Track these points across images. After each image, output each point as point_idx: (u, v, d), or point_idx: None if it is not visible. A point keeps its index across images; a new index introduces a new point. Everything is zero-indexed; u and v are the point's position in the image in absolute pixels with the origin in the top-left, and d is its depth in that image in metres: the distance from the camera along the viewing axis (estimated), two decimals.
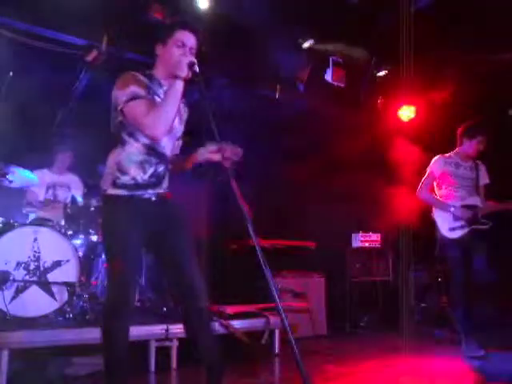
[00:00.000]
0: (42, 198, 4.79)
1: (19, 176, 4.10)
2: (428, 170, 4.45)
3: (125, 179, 2.43)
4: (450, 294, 4.50)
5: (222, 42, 5.28)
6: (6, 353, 3.16)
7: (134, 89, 2.37)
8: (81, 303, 3.95)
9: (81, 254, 4.17)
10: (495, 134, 5.18)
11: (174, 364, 3.72)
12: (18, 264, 3.82)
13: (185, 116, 2.66)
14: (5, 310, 3.61)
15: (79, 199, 4.57)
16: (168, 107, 2.34)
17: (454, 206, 4.28)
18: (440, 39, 5.22)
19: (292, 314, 4.82)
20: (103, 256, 4.51)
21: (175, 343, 3.73)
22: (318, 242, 5.79)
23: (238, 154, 2.45)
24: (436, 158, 4.45)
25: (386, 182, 6.28)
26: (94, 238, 4.39)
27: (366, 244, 6.15)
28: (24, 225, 4.04)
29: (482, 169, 4.46)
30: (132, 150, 2.43)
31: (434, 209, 4.41)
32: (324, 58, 6.06)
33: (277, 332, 4.34)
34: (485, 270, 4.15)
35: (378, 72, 6.50)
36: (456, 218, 4.27)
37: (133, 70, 2.48)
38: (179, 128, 2.60)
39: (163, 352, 3.72)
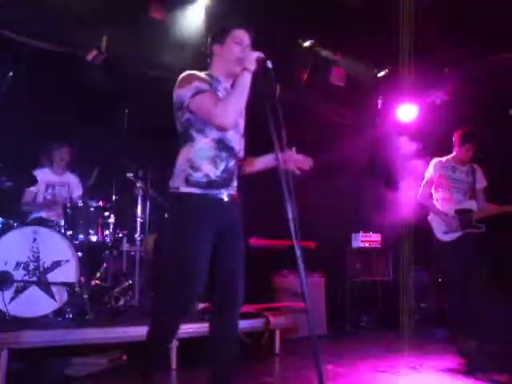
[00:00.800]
0: (41, 197, 4.79)
1: (19, 176, 4.09)
2: (426, 176, 4.51)
3: (197, 176, 2.39)
4: (447, 294, 4.49)
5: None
6: (5, 353, 3.15)
7: (197, 84, 2.38)
8: (81, 303, 3.95)
9: (80, 254, 4.17)
10: (495, 134, 5.19)
11: (173, 364, 3.71)
12: (18, 264, 3.82)
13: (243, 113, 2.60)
14: (4, 310, 3.60)
15: (78, 199, 4.57)
16: (237, 97, 2.34)
17: (446, 215, 4.34)
18: (440, 39, 5.22)
19: (292, 314, 4.81)
20: (103, 256, 4.52)
21: (175, 343, 3.73)
22: (318, 241, 5.79)
23: (310, 163, 2.58)
24: (433, 162, 4.51)
25: (386, 182, 6.29)
26: (94, 238, 4.39)
27: (366, 244, 6.15)
28: (23, 225, 4.04)
29: (479, 172, 4.50)
30: (202, 146, 2.41)
31: (430, 213, 4.47)
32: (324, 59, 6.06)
33: (277, 332, 4.34)
34: (480, 272, 4.17)
35: (378, 72, 6.50)
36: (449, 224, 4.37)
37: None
38: (242, 123, 2.57)
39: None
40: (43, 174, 4.79)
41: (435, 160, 4.50)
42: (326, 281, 5.46)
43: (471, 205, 4.38)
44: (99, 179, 4.68)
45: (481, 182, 4.48)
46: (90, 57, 5.06)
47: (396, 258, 6.02)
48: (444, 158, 4.50)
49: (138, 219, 4.83)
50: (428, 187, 4.48)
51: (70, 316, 3.85)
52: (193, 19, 5.20)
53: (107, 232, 4.47)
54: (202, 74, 2.47)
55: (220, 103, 2.33)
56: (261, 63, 2.32)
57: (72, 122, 4.84)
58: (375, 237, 6.21)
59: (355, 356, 4.24)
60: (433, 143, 5.23)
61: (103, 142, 5.01)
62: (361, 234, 6.14)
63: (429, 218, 4.46)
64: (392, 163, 6.26)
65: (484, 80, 5.63)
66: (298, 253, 2.14)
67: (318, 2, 5.03)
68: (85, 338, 3.48)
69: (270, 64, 2.33)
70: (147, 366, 2.49)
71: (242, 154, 2.59)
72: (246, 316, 4.24)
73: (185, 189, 2.40)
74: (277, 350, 4.32)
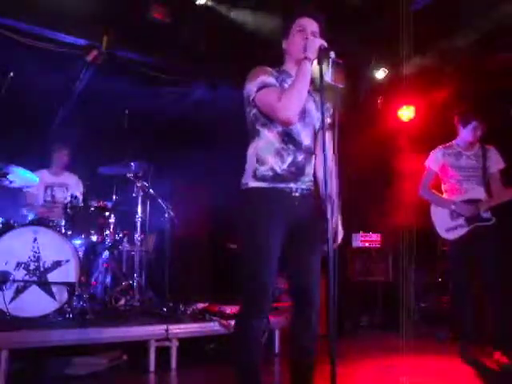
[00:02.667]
0: (40, 198, 4.79)
1: (19, 176, 4.10)
2: (426, 166, 4.19)
3: (263, 169, 2.38)
4: (451, 295, 4.23)
5: (221, 40, 5.30)
6: (5, 353, 3.15)
7: (262, 78, 2.36)
8: (81, 303, 3.95)
9: (81, 254, 4.17)
10: (496, 134, 5.18)
11: (173, 364, 3.71)
12: (18, 264, 3.82)
13: (327, 106, 2.52)
14: (5, 310, 3.60)
15: (78, 196, 4.57)
16: (297, 88, 2.28)
17: (454, 203, 3.95)
18: (440, 39, 5.22)
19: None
20: (103, 256, 4.52)
21: (175, 343, 3.73)
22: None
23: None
24: (433, 151, 4.18)
25: (386, 182, 6.28)
26: (94, 238, 4.39)
27: (366, 244, 6.15)
28: (24, 225, 4.03)
29: (493, 153, 4.01)
30: (268, 140, 2.40)
31: (431, 207, 4.14)
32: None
33: (277, 332, 4.33)
34: (492, 271, 3.82)
35: (378, 72, 6.50)
36: (453, 217, 3.96)
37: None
38: (316, 116, 2.50)
39: (163, 352, 3.72)
40: (42, 176, 4.79)
41: (435, 149, 4.17)
42: (326, 281, 5.46)
43: (479, 193, 3.93)
44: (99, 180, 4.69)
45: (495, 164, 3.98)
46: (90, 57, 5.07)
47: (396, 258, 6.02)
48: (448, 144, 4.14)
49: (138, 219, 4.83)
50: (429, 178, 4.13)
51: (71, 316, 3.85)
52: (194, 20, 5.20)
53: (107, 232, 4.47)
54: (270, 69, 2.44)
55: (282, 97, 2.28)
56: (323, 52, 2.27)
57: (72, 121, 4.85)
58: (375, 237, 6.21)
59: (355, 356, 4.24)
60: (433, 143, 5.22)
61: (103, 141, 5.02)
62: (361, 233, 6.15)
63: (431, 211, 4.11)
64: (392, 163, 6.26)
65: (484, 80, 5.63)
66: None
67: (318, 2, 5.03)
68: (85, 337, 3.48)
69: (332, 54, 2.28)
70: (239, 362, 2.39)
71: (317, 148, 2.52)
72: None
73: (253, 183, 2.39)
74: (277, 350, 4.32)
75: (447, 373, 3.70)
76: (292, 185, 2.39)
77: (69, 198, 4.43)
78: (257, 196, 2.38)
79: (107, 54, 5.06)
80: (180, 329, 3.79)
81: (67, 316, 3.85)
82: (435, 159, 4.14)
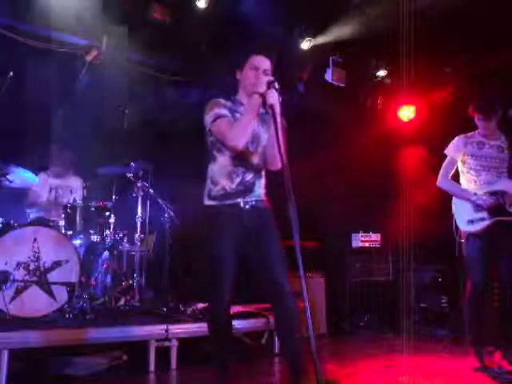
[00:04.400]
0: (44, 198, 4.80)
1: (19, 176, 4.10)
2: (446, 154, 3.94)
3: (216, 190, 2.73)
4: (464, 294, 3.89)
5: (221, 42, 5.29)
6: (5, 353, 3.15)
7: (217, 110, 2.69)
8: (81, 303, 3.95)
9: (81, 254, 4.17)
10: None
11: (173, 364, 3.72)
12: (18, 264, 3.82)
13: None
14: (5, 310, 3.61)
15: (78, 201, 4.58)
16: (244, 121, 2.61)
17: (475, 194, 3.72)
18: (440, 39, 5.22)
19: None
20: (103, 256, 4.52)
21: (175, 343, 3.73)
22: (318, 242, 5.79)
23: None
24: (455, 139, 3.92)
25: (386, 182, 6.29)
26: (94, 238, 4.39)
27: (366, 244, 6.15)
28: (24, 225, 4.04)
29: None
30: (221, 164, 2.73)
31: (453, 198, 3.87)
32: (324, 58, 6.06)
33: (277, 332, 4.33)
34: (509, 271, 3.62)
35: (378, 72, 6.50)
36: (477, 209, 3.72)
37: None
38: (264, 137, 2.80)
39: (163, 352, 3.72)
40: (47, 177, 4.80)
41: (457, 137, 3.93)
42: (326, 281, 5.46)
43: (505, 185, 3.69)
44: (99, 180, 4.69)
45: None
46: (89, 57, 5.07)
47: (396, 258, 6.02)
48: (470, 134, 3.91)
49: (138, 219, 4.83)
50: (449, 169, 3.90)
51: (71, 316, 3.85)
52: (193, 21, 5.20)
53: (107, 232, 4.47)
54: (223, 101, 2.76)
55: (232, 128, 2.61)
56: (270, 84, 2.55)
57: (72, 121, 4.85)
58: (375, 237, 6.21)
59: (355, 356, 4.24)
60: (433, 143, 5.22)
61: (103, 141, 5.02)
62: (361, 233, 6.14)
63: (453, 202, 3.88)
64: (392, 162, 6.27)
65: (484, 80, 5.63)
66: (298, 253, 2.26)
67: (318, 2, 5.04)
68: (85, 337, 3.48)
69: (276, 85, 2.55)
70: (217, 360, 2.83)
71: (264, 165, 2.80)
72: (246, 316, 4.24)
73: (207, 202, 2.76)
74: (277, 350, 4.31)
75: (447, 373, 3.70)
76: (239, 199, 2.72)
77: (71, 200, 4.44)
78: (210, 212, 2.75)
79: (107, 53, 5.06)
80: (180, 329, 3.80)
81: (67, 316, 3.85)
82: (456, 147, 3.89)
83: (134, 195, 4.84)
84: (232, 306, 4.23)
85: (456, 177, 4.00)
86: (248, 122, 2.61)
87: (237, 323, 4.06)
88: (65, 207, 4.37)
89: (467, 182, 3.88)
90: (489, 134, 3.85)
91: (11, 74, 4.14)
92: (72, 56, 5.07)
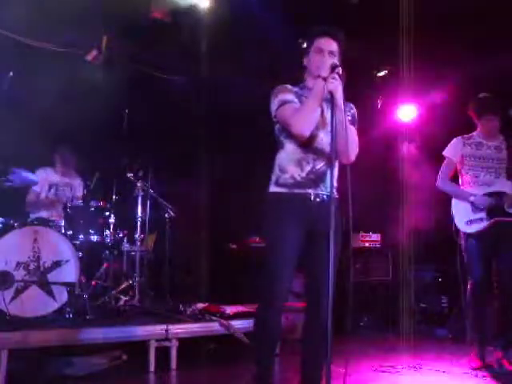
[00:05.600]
0: (43, 196, 4.79)
1: (19, 176, 4.09)
2: (445, 156, 3.95)
3: (285, 177, 2.60)
4: (464, 294, 3.88)
5: (221, 41, 5.29)
6: (5, 353, 3.15)
7: (281, 97, 2.60)
8: (81, 303, 3.95)
9: (81, 254, 4.17)
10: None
11: (173, 364, 3.71)
12: (18, 264, 3.82)
13: (349, 114, 2.72)
14: (5, 310, 3.60)
15: (78, 200, 4.58)
16: (307, 106, 2.51)
17: (473, 195, 3.72)
18: (440, 39, 5.22)
19: (292, 314, 4.81)
20: (103, 256, 4.53)
21: (175, 343, 3.73)
22: None
23: None
24: (453, 140, 3.93)
25: (386, 182, 6.29)
26: (94, 238, 4.39)
27: (366, 244, 6.15)
28: (24, 225, 4.03)
29: None
30: (290, 151, 2.61)
31: (452, 199, 3.87)
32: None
33: None
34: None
35: (378, 72, 6.50)
36: (476, 209, 3.71)
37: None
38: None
39: (163, 352, 3.72)
40: (46, 174, 4.79)
41: (455, 138, 3.94)
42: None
43: (504, 186, 3.71)
44: (99, 180, 4.69)
45: None
46: (89, 57, 5.07)
47: (396, 258, 6.02)
48: (469, 135, 3.92)
49: (138, 219, 4.83)
50: (448, 170, 3.91)
51: (70, 316, 3.85)
52: (194, 20, 5.20)
53: (107, 232, 4.47)
54: (290, 86, 2.66)
55: (295, 114, 2.51)
56: (333, 69, 2.47)
57: (73, 121, 4.84)
58: (375, 237, 6.21)
59: (355, 356, 4.24)
60: (433, 143, 5.22)
61: (103, 141, 5.02)
62: (361, 233, 6.14)
63: (452, 203, 3.87)
64: (392, 162, 6.27)
65: (484, 80, 5.62)
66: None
67: (318, 2, 5.04)
68: (85, 337, 3.48)
69: (340, 70, 2.48)
70: (258, 357, 2.60)
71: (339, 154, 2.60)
72: (246, 316, 4.24)
73: (274, 188, 2.63)
74: (277, 350, 4.31)
75: (447, 373, 3.70)
76: (310, 190, 2.58)
77: (71, 199, 4.44)
78: (275, 200, 2.61)
79: (107, 53, 5.06)
80: (180, 329, 3.79)
81: (67, 316, 3.85)
82: (455, 149, 3.91)
83: (134, 195, 4.85)
84: (232, 306, 4.27)
85: (455, 177, 4.00)
86: (311, 108, 2.51)
87: (237, 323, 4.07)
88: (65, 207, 4.37)
89: (466, 182, 3.89)
90: (488, 135, 3.86)
91: (11, 73, 4.14)
92: (72, 56, 5.07)
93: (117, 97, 4.98)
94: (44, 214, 4.66)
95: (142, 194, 4.85)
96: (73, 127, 4.89)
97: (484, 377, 3.56)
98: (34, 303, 3.79)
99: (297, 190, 2.57)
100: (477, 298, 3.75)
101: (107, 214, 4.49)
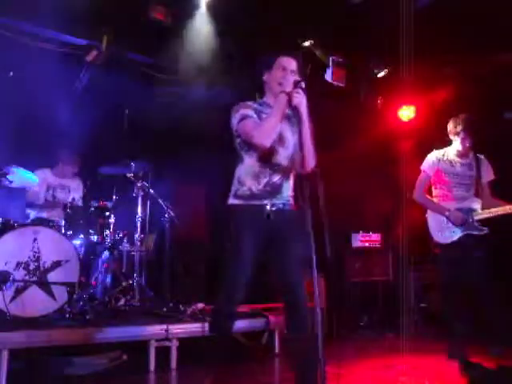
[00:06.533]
0: (41, 197, 4.79)
1: (19, 176, 4.10)
2: (422, 170, 4.23)
3: (243, 190, 2.75)
4: (440, 295, 4.33)
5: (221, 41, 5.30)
6: (5, 353, 3.16)
7: (242, 111, 2.75)
8: (81, 303, 3.95)
9: (81, 254, 4.17)
10: (495, 134, 5.17)
11: (173, 364, 3.72)
12: (18, 264, 3.82)
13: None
14: (5, 310, 3.61)
15: (78, 200, 4.57)
16: (271, 118, 2.66)
17: (448, 210, 4.04)
18: (440, 39, 5.22)
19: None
20: (103, 256, 4.53)
21: (175, 343, 3.73)
22: (318, 242, 5.77)
23: None
24: (429, 155, 4.22)
25: (386, 182, 6.28)
26: (94, 238, 4.39)
27: (366, 244, 6.15)
28: (24, 225, 4.04)
29: (485, 164, 4.13)
30: (248, 165, 2.76)
31: (427, 211, 4.21)
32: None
33: (277, 332, 4.33)
34: (481, 274, 3.93)
35: (378, 72, 6.50)
36: (449, 223, 4.05)
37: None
38: (291, 138, 2.81)
39: (163, 352, 3.72)
40: (44, 175, 4.79)
41: (431, 154, 4.21)
42: (326, 281, 5.46)
43: (473, 203, 4.04)
44: (99, 180, 4.70)
45: (486, 176, 4.11)
46: (89, 57, 5.06)
47: (396, 258, 6.02)
48: (442, 150, 4.20)
49: (138, 219, 4.83)
50: (424, 183, 4.18)
51: (70, 316, 3.85)
52: (195, 21, 5.20)
53: (107, 232, 4.47)
54: (250, 103, 2.81)
55: (258, 126, 2.65)
56: (296, 84, 2.63)
57: (72, 121, 4.84)
58: (375, 237, 6.20)
59: (355, 356, 4.24)
60: (433, 143, 5.22)
61: (103, 141, 5.02)
62: (361, 233, 6.14)
63: (427, 215, 4.18)
64: (392, 163, 6.26)
65: (484, 80, 5.63)
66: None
67: (318, 2, 5.04)
68: (85, 338, 3.49)
69: (303, 85, 2.63)
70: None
71: (295, 167, 2.81)
72: (246, 316, 4.24)
73: (232, 200, 2.78)
74: (277, 350, 4.32)
75: (447, 373, 3.70)
76: (266, 201, 2.72)
77: (70, 199, 4.44)
78: (235, 211, 2.77)
79: (107, 54, 5.06)
80: (180, 329, 3.80)
81: (67, 316, 3.85)
82: (431, 164, 4.18)
83: (134, 195, 4.85)
84: None
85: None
86: (274, 121, 2.65)
87: (237, 323, 4.06)
88: (65, 207, 4.37)
89: (439, 196, 4.18)
90: (462, 153, 4.12)
91: (11, 73, 4.14)
92: (72, 56, 5.06)
93: (117, 97, 4.98)
94: (44, 214, 4.66)
95: (141, 193, 4.85)
96: (73, 127, 4.89)
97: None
98: (34, 303, 3.80)
99: (253, 202, 2.72)
100: (452, 300, 4.05)
101: (107, 214, 4.49)
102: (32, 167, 4.51)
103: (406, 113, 6.74)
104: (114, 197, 4.71)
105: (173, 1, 5.05)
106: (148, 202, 4.88)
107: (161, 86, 5.59)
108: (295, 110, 2.60)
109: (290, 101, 2.61)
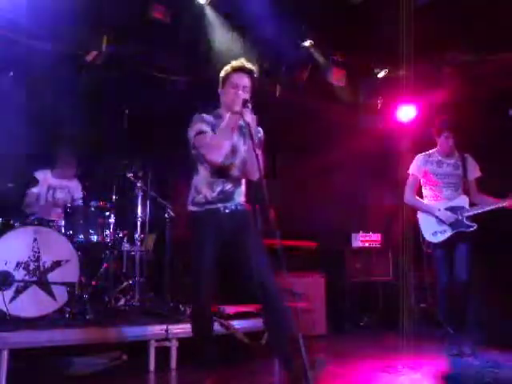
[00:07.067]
0: (42, 198, 4.79)
1: (20, 176, 4.10)
2: (410, 172, 4.36)
3: (199, 198, 2.98)
4: (435, 295, 4.48)
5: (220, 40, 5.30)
6: (5, 353, 3.16)
7: (199, 126, 2.92)
8: (81, 303, 3.95)
9: (81, 254, 4.17)
10: (495, 134, 5.17)
11: (173, 364, 3.72)
12: (18, 264, 3.82)
13: (256, 138, 2.87)
14: (5, 310, 3.61)
15: (78, 201, 4.57)
16: (220, 137, 2.84)
17: (439, 209, 4.18)
18: (440, 39, 5.22)
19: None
20: (103, 256, 4.53)
21: (175, 343, 3.73)
22: (318, 242, 5.78)
23: None
24: (416, 157, 4.35)
25: (386, 182, 6.28)
26: (94, 238, 4.39)
27: (366, 244, 6.15)
28: (24, 225, 4.04)
29: (470, 162, 4.26)
30: (203, 175, 2.98)
31: (418, 212, 4.33)
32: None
33: None
34: (464, 270, 4.08)
35: (378, 72, 6.50)
36: (440, 222, 4.18)
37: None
38: (242, 149, 3.00)
39: (163, 352, 3.72)
40: (44, 176, 4.79)
41: (418, 156, 4.34)
42: (326, 281, 5.46)
43: (462, 201, 4.18)
44: (99, 180, 4.69)
45: (472, 173, 4.24)
46: (89, 57, 5.06)
47: (396, 258, 6.02)
48: (429, 152, 4.32)
49: (138, 219, 4.83)
50: (413, 185, 4.31)
51: (70, 316, 3.85)
52: (194, 20, 5.20)
53: (107, 232, 4.47)
54: (207, 116, 2.97)
55: (209, 145, 2.83)
56: (244, 104, 2.78)
57: (73, 122, 4.84)
58: (375, 237, 6.20)
59: (355, 356, 4.24)
60: (433, 143, 5.23)
61: (103, 141, 5.02)
62: (361, 233, 6.14)
63: (418, 216, 4.30)
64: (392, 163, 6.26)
65: (484, 80, 5.62)
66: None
67: (318, 2, 5.04)
68: (85, 337, 3.49)
69: (250, 105, 2.78)
70: (204, 359, 2.99)
71: (244, 175, 3.01)
72: (246, 316, 4.24)
73: (191, 207, 3.01)
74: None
75: (447, 373, 3.70)
76: (220, 205, 2.96)
77: (69, 199, 4.44)
78: (193, 217, 3.00)
79: (107, 53, 5.06)
80: (180, 329, 3.80)
81: (67, 316, 3.86)
82: (418, 166, 4.32)
83: (134, 195, 4.85)
84: (232, 306, 4.26)
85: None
86: (222, 141, 2.82)
87: (237, 323, 4.07)
88: (65, 207, 4.37)
89: (429, 196, 4.30)
90: (448, 153, 4.25)
91: (11, 73, 4.14)
92: (72, 56, 5.06)
93: (117, 97, 4.98)
94: (43, 214, 4.65)
95: (141, 194, 4.85)
96: (73, 128, 4.89)
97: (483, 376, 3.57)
98: (34, 303, 3.79)
99: (208, 206, 2.95)
100: (445, 296, 4.18)
101: (107, 213, 4.49)
102: (32, 168, 4.52)
103: (406, 113, 6.73)
104: (114, 197, 4.71)
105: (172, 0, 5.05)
106: (148, 202, 4.87)
107: (161, 86, 5.59)
108: (247, 126, 2.74)
109: (242, 116, 2.76)
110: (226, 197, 2.97)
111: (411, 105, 6.65)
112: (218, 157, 2.85)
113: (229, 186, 2.98)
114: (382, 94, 6.84)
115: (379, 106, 6.91)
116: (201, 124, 2.92)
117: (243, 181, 3.07)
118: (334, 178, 6.29)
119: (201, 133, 2.89)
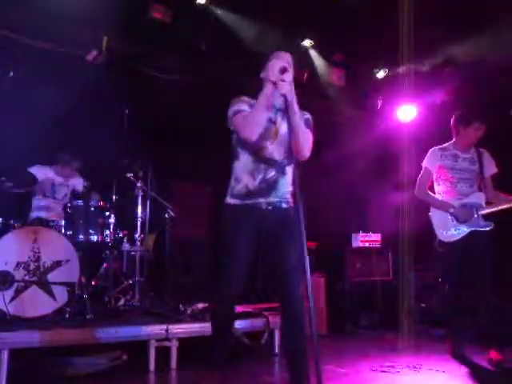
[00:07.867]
0: (46, 192, 4.79)
1: (20, 176, 4.09)
2: (423, 166, 4.13)
3: (238, 188, 2.77)
4: (442, 295, 4.32)
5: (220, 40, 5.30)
6: (5, 353, 3.16)
7: (236, 107, 2.74)
8: (81, 303, 3.95)
9: (81, 254, 4.16)
10: (496, 134, 5.17)
11: (173, 364, 3.72)
12: (18, 264, 3.82)
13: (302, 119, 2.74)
14: (5, 310, 3.61)
15: (79, 195, 4.56)
16: (256, 111, 2.64)
17: (453, 207, 3.94)
18: (440, 39, 5.22)
19: None
20: (103, 256, 4.53)
21: (175, 343, 3.73)
22: (318, 242, 5.78)
23: None
24: (431, 150, 4.12)
25: (386, 182, 6.29)
26: (94, 238, 4.38)
27: (366, 244, 6.15)
28: (24, 225, 4.04)
29: (487, 158, 4.04)
30: (243, 161, 2.77)
31: (431, 208, 4.10)
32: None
33: (277, 332, 4.33)
34: (485, 272, 3.84)
35: (378, 72, 6.50)
36: (454, 220, 3.95)
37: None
38: (285, 131, 2.73)
39: (163, 352, 3.72)
40: (45, 171, 4.77)
41: (433, 149, 4.12)
42: (326, 281, 5.46)
43: (478, 198, 3.95)
44: (99, 180, 4.69)
45: (489, 169, 4.02)
46: (89, 57, 5.06)
47: (396, 258, 6.02)
48: (444, 146, 4.11)
49: (138, 219, 4.83)
50: (426, 179, 4.07)
51: (70, 316, 3.85)
52: (194, 20, 5.20)
53: (107, 232, 4.47)
54: (246, 98, 2.79)
55: (244, 119, 2.65)
56: (282, 72, 2.55)
57: (72, 121, 4.84)
58: (375, 237, 6.20)
59: (355, 356, 4.24)
60: (433, 143, 5.23)
61: (103, 141, 5.01)
62: (361, 233, 6.14)
63: (430, 214, 4.08)
64: (392, 163, 6.26)
65: (484, 80, 5.62)
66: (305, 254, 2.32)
67: (318, 2, 5.04)
68: (85, 337, 3.49)
69: (289, 71, 2.55)
70: (214, 357, 2.87)
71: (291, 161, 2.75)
72: (246, 316, 4.24)
73: (229, 200, 2.81)
74: (277, 350, 4.32)
75: (447, 373, 3.70)
76: (261, 200, 2.74)
77: (69, 195, 4.44)
78: (230, 212, 2.79)
79: (107, 53, 5.06)
80: (180, 329, 3.80)
81: (67, 316, 3.85)
82: (433, 160, 4.08)
83: (134, 195, 4.84)
84: None
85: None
86: (259, 111, 2.62)
87: (237, 323, 4.06)
88: (65, 207, 4.37)
89: (442, 192, 4.06)
90: (465, 147, 4.04)
91: (11, 74, 4.14)
92: (72, 56, 5.06)
93: (117, 97, 4.98)
94: (44, 214, 4.66)
95: (141, 194, 4.85)
96: (73, 128, 4.89)
97: (483, 376, 3.56)
98: (34, 303, 3.79)
99: (249, 201, 2.74)
100: (454, 298, 4.00)
101: (107, 213, 4.49)
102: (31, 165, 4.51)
103: (406, 113, 6.74)
104: (114, 197, 4.71)
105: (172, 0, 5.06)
106: (148, 202, 4.87)
107: (161, 86, 5.59)
108: (283, 98, 2.54)
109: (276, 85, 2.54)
110: (269, 186, 2.74)
111: (411, 105, 6.66)
112: (251, 131, 2.63)
113: (272, 174, 2.75)
114: (382, 94, 6.84)
115: (379, 106, 6.91)
116: (239, 104, 2.75)
117: (289, 169, 2.80)
118: (334, 177, 6.29)
119: (238, 112, 2.71)
